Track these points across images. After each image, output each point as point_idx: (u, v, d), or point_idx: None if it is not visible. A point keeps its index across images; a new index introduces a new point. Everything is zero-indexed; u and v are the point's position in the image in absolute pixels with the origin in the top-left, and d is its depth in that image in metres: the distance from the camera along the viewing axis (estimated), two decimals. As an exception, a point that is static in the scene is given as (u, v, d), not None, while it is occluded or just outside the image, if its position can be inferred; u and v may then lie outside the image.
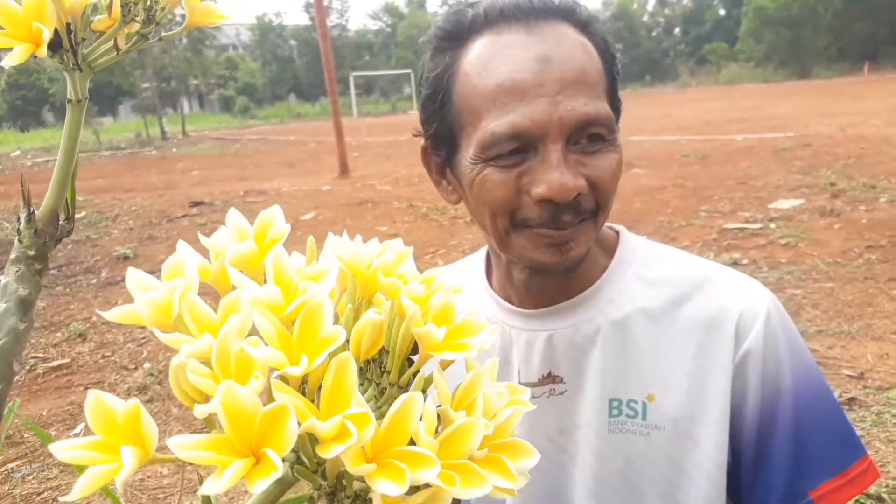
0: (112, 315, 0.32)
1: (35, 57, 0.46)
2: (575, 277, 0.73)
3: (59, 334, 3.86)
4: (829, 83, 21.55)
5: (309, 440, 0.31)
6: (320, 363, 0.29)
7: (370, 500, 0.32)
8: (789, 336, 0.71)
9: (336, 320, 0.32)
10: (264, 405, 0.28)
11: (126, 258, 5.37)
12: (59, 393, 3.12)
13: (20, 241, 0.52)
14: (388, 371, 0.36)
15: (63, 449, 0.30)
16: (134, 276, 0.34)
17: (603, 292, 0.74)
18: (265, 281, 0.36)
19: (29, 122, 35.16)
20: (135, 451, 0.29)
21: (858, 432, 0.90)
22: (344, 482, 0.32)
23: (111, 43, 0.51)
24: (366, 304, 0.38)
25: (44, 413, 2.91)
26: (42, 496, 2.28)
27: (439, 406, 0.32)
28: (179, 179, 10.10)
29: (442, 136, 0.69)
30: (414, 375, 0.36)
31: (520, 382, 0.75)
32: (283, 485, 0.35)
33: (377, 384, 0.37)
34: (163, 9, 0.52)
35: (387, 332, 0.36)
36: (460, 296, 0.39)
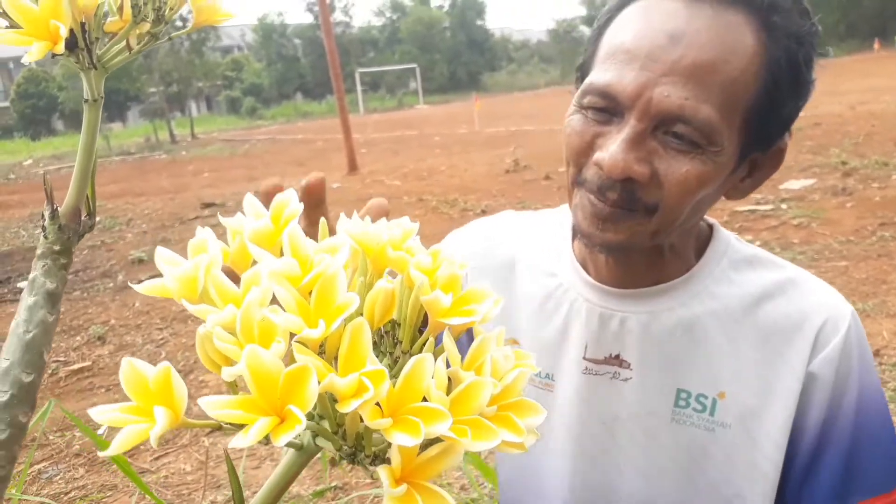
0: (143, 288, 0.35)
1: (53, 55, 0.49)
2: (662, 265, 0.72)
3: (78, 338, 3.92)
4: (839, 61, 21.34)
5: (330, 403, 0.33)
6: (337, 328, 0.31)
7: (388, 458, 0.34)
8: (863, 352, 0.70)
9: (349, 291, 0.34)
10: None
11: (141, 261, 5.44)
12: (82, 395, 3.17)
13: (45, 238, 0.55)
14: (401, 341, 0.38)
15: (101, 413, 0.32)
16: (163, 254, 0.36)
17: (689, 286, 0.72)
18: (282, 256, 0.39)
19: (40, 131, 35.47)
20: (166, 410, 0.31)
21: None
22: (363, 443, 0.34)
23: (123, 43, 0.53)
24: (376, 279, 0.40)
25: (66, 417, 2.96)
26: (69, 496, 2.33)
27: (450, 369, 0.34)
28: (190, 182, 10.17)
29: (580, 78, 0.69)
30: (423, 344, 0.38)
31: (584, 357, 0.75)
32: (305, 454, 0.37)
33: (391, 354, 0.39)
34: (171, 8, 0.54)
35: (398, 305, 0.38)
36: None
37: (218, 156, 14.74)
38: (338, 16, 43.24)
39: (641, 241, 0.66)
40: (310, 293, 0.34)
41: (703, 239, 0.75)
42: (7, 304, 4.57)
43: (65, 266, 0.56)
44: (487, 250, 0.85)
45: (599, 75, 0.63)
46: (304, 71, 45.65)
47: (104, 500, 2.24)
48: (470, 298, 0.37)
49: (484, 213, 5.71)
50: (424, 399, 0.32)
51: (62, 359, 3.64)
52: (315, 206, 0.49)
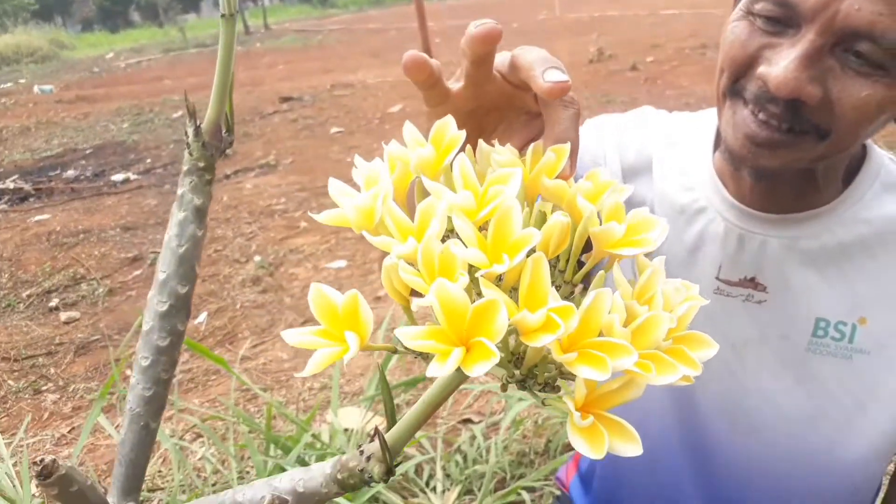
0: (323, 218, 0.36)
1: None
2: (810, 191, 0.68)
3: (173, 230, 4.11)
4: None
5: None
6: (518, 262, 0.31)
7: (558, 387, 0.35)
8: None
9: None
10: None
11: (225, 156, 5.57)
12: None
13: (190, 155, 0.56)
14: (563, 271, 0.38)
15: (293, 335, 0.34)
16: (336, 186, 0.36)
17: (837, 211, 0.68)
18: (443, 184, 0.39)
19: (118, 23, 36.00)
20: (357, 336, 0.33)
21: None
22: (535, 371, 0.35)
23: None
24: (527, 206, 0.39)
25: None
26: (176, 378, 2.53)
27: (626, 303, 0.34)
28: (265, 75, 10.21)
29: None
30: (585, 274, 0.38)
31: (718, 278, 0.73)
32: (463, 375, 0.38)
33: (553, 283, 0.39)
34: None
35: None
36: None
37: (291, 47, 14.66)
38: None
39: (798, 167, 0.62)
40: (481, 226, 0.34)
41: (857, 159, 0.70)
42: (105, 196, 4.80)
43: (209, 182, 0.58)
44: (638, 144, 0.80)
45: None
46: (374, -44, 44.09)
47: (209, 382, 2.42)
48: (638, 227, 0.37)
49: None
50: (600, 333, 0.33)
51: (158, 250, 3.84)
52: (480, 63, 0.42)
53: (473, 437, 1.77)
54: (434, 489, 1.60)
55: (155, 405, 0.53)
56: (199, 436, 1.93)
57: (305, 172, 4.84)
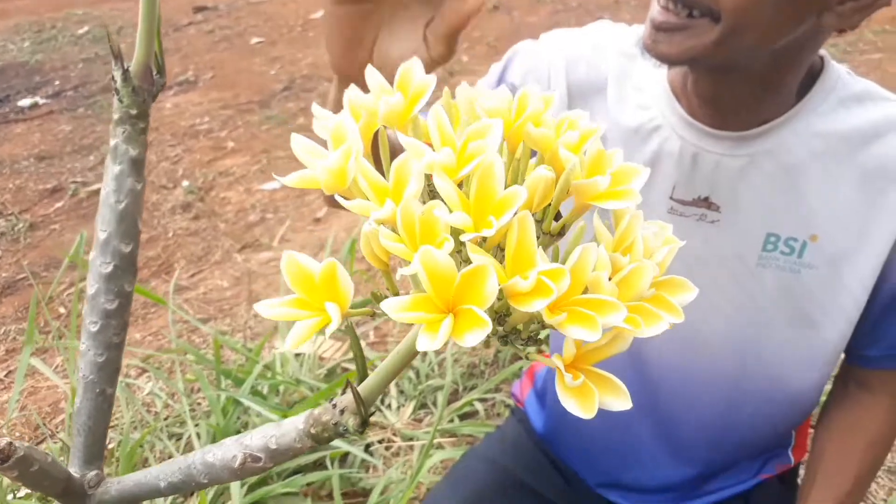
0: (291, 180, 0.33)
1: None
2: (760, 104, 0.68)
3: (91, 157, 3.89)
4: None
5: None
6: (505, 224, 0.30)
7: (540, 340, 0.35)
8: None
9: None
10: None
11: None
12: (107, 214, 3.21)
13: (120, 102, 0.52)
14: (540, 221, 0.37)
15: (268, 307, 0.32)
16: (300, 143, 0.34)
17: (791, 124, 0.69)
18: (410, 135, 0.37)
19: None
20: (337, 307, 0.31)
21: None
22: (519, 328, 0.34)
23: None
24: (508, 156, 0.38)
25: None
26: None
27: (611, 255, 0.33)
28: (176, -17, 9.51)
29: None
30: (563, 225, 0.37)
31: (672, 197, 0.73)
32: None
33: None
34: None
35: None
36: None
37: (200, -49, 13.62)
38: None
39: (701, 54, 0.62)
40: (460, 183, 0.32)
41: (815, 74, 0.70)
42: (12, 124, 4.48)
43: (143, 130, 0.54)
44: (592, 60, 0.79)
45: None
46: None
47: (148, 315, 2.36)
48: (621, 177, 0.36)
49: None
50: (586, 289, 0.32)
51: (79, 180, 3.64)
52: None
53: (425, 354, 1.80)
54: (389, 406, 1.63)
55: (109, 370, 0.51)
56: (145, 371, 1.90)
57: (227, 88, 4.60)
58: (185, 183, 3.35)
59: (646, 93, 0.75)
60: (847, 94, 0.69)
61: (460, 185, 0.33)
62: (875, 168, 0.68)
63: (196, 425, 1.54)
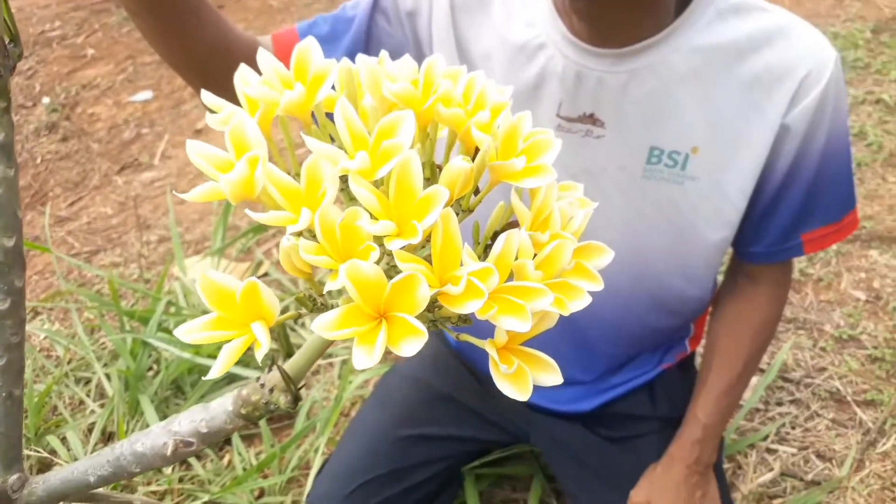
0: (195, 196, 0.30)
1: None
2: (640, 20, 0.69)
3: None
4: None
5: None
6: (429, 226, 0.30)
7: (470, 320, 0.35)
8: (840, 98, 0.71)
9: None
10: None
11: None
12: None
13: (-27, 81, 0.46)
14: (459, 199, 0.37)
15: (188, 333, 0.31)
16: (197, 150, 0.31)
17: (670, 40, 0.70)
18: (313, 123, 0.35)
19: None
20: (263, 326, 0.30)
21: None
22: (442, 312, 0.35)
23: None
24: (419, 132, 0.36)
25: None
26: None
27: (532, 234, 0.34)
28: None
29: None
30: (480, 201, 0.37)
31: (558, 115, 0.74)
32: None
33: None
34: None
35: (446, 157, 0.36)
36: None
37: None
38: None
39: None
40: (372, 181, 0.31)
41: None
42: None
43: (6, 109, 0.48)
44: None
45: None
46: None
47: (31, 252, 2.21)
48: (534, 151, 0.36)
49: None
50: (510, 274, 0.33)
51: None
52: None
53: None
54: (303, 325, 1.63)
55: (12, 372, 0.48)
56: (38, 313, 1.80)
57: (76, -14, 4.15)
58: (46, 100, 3.06)
59: (531, 10, 0.75)
60: (725, 7, 0.70)
61: (376, 185, 0.32)
62: (751, 79, 0.70)
63: (105, 366, 1.49)
